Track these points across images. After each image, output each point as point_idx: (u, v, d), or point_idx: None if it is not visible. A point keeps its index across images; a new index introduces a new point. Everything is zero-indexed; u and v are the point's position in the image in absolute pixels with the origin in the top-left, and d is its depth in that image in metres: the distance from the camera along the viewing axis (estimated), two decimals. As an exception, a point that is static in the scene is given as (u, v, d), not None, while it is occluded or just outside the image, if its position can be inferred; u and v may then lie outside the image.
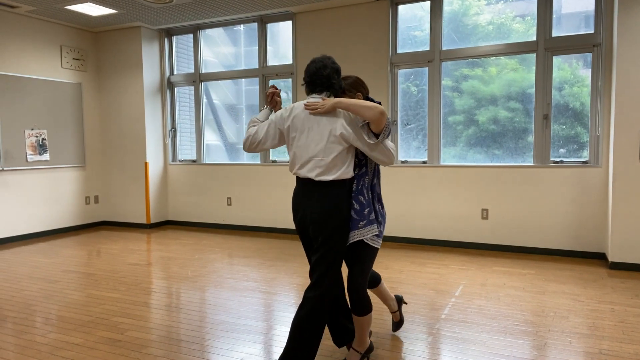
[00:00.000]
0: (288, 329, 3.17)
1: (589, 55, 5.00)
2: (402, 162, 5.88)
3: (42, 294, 3.97)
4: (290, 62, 6.46)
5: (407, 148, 5.94)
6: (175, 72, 7.38)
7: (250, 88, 7.09)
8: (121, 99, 7.18)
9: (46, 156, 6.54)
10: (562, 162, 5.13)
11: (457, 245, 5.52)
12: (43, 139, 6.49)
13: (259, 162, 6.80)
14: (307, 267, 4.72)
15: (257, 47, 6.70)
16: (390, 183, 5.88)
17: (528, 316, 3.35)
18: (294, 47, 6.36)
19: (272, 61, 6.69)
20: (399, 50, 5.84)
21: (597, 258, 4.92)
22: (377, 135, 2.35)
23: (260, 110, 2.69)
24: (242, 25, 6.94)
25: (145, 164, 7.10)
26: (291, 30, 6.40)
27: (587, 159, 5.03)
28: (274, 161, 6.71)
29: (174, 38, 7.33)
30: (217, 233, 6.73)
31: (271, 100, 2.70)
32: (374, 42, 5.83)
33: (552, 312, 3.41)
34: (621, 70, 4.40)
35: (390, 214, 5.89)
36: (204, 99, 7.26)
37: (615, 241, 4.52)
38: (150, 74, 7.12)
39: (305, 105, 2.42)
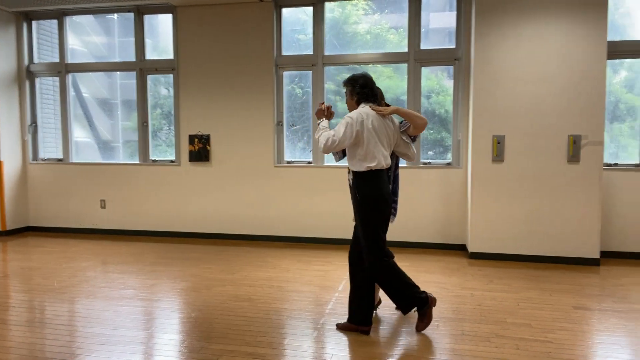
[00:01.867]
0: (170, 336, 3.03)
1: (452, 68, 5.59)
2: (288, 162, 5.98)
3: None
4: (171, 57, 6.17)
5: (292, 149, 6.05)
6: (35, 60, 6.59)
7: (126, 82, 6.62)
8: (-34, 88, 6.21)
9: None
10: (430, 163, 5.65)
11: (340, 243, 5.76)
12: None
13: (137, 162, 6.38)
14: (191, 270, 4.56)
15: (133, 39, 6.28)
16: (276, 183, 5.93)
17: (403, 305, 3.63)
18: (175, 42, 6.09)
19: (151, 55, 6.32)
20: (284, 53, 5.92)
21: (460, 249, 5.51)
22: (412, 138, 3.20)
23: (320, 123, 3.21)
24: (115, 14, 6.44)
25: (-1, 163, 6.23)
26: (172, 23, 6.12)
27: (450, 160, 5.62)
28: (155, 160, 6.35)
29: (34, 23, 6.53)
30: (89, 239, 6.16)
31: (328, 113, 3.24)
32: (259, 43, 5.84)
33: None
34: (477, 82, 5.00)
35: (278, 214, 5.95)
36: (72, 92, 6.59)
37: (474, 233, 5.11)
38: (4, 61, 6.27)
39: (376, 111, 3.06)
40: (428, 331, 3.12)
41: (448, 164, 5.60)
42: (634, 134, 5.22)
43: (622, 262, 4.94)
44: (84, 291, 3.94)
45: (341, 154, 3.27)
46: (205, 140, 6.07)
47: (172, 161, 6.29)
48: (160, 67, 6.24)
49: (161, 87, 6.44)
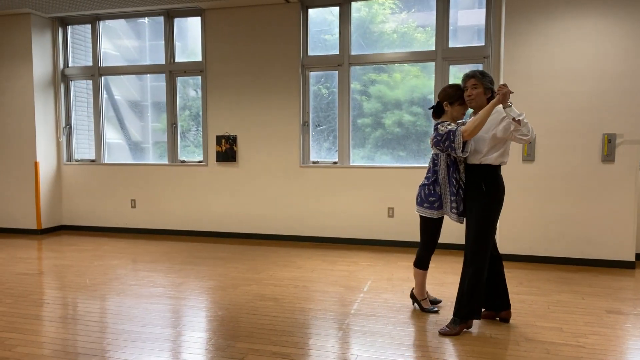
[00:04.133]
0: (197, 334, 3.09)
1: (481, 66, 5.48)
2: (314, 162, 5.99)
3: None
4: (200, 59, 6.28)
5: (318, 149, 6.06)
6: (70, 64, 6.81)
7: (156, 84, 6.77)
8: (8, 93, 6.47)
9: None
10: (458, 163, 5.55)
11: (365, 243, 5.74)
12: None
13: (166, 162, 6.52)
14: (218, 269, 4.62)
15: (163, 42, 6.42)
16: (302, 183, 5.95)
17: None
18: (203, 44, 6.19)
19: (180, 57, 6.45)
20: (310, 53, 5.94)
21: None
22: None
23: (511, 107, 2.92)
24: (146, 18, 6.60)
25: (35, 164, 6.47)
26: (200, 26, 6.22)
27: (479, 160, 5.50)
28: (183, 161, 6.48)
29: (69, 28, 6.76)
30: (120, 238, 6.33)
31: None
32: (286, 44, 5.87)
33: (450, 302, 3.68)
34: (507, 80, 4.88)
35: (304, 214, 5.97)
36: (104, 94, 6.79)
37: (502, 235, 4.99)
38: (41, 65, 6.50)
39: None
40: (454, 334, 3.06)
41: (476, 164, 5.49)
42: (674, 132, 4.99)
43: (661, 266, 4.74)
44: (115, 289, 4.05)
45: (466, 146, 3.04)
46: (232, 140, 6.15)
47: (199, 162, 6.39)
48: (188, 69, 6.35)
49: (189, 89, 6.56)
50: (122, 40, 6.95)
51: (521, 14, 4.79)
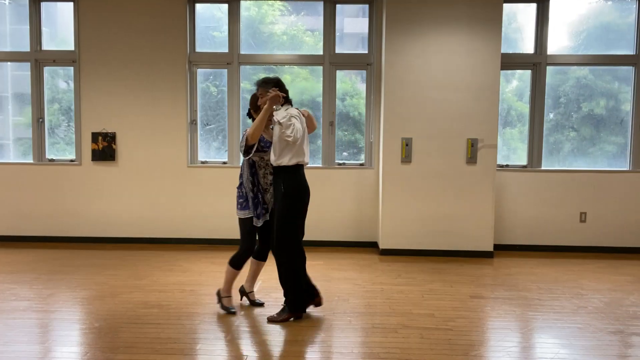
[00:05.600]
0: (70, 349, 2.82)
1: (365, 72, 5.80)
2: (202, 162, 5.82)
3: None
4: (72, 48, 5.72)
5: (207, 148, 5.90)
6: None
7: (18, 74, 6.02)
8: None
9: None
10: (344, 164, 5.82)
11: (255, 243, 5.72)
12: None
13: (31, 161, 5.83)
14: (94, 278, 4.27)
15: (28, 27, 5.73)
16: (189, 183, 5.74)
17: (317, 303, 3.70)
18: (76, 32, 5.66)
19: (48, 45, 5.81)
20: (198, 49, 5.76)
21: (371, 246, 5.74)
22: None
23: (278, 110, 3.18)
24: (7, -2, 5.84)
25: None
26: (73, 12, 5.67)
27: (363, 161, 5.83)
28: (52, 160, 5.85)
29: None
30: (-27, 247, 5.51)
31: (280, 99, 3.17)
32: (171, 38, 5.62)
33: (336, 297, 3.84)
34: (387, 87, 5.24)
35: (191, 215, 5.76)
36: (-48, 82, 5.86)
37: (384, 231, 5.35)
38: None
39: (301, 112, 3.30)
40: (341, 326, 3.21)
41: (361, 164, 5.80)
42: (523, 138, 5.79)
43: (513, 254, 5.45)
44: (-34, 305, 3.53)
45: (250, 150, 3.25)
46: (110, 138, 5.71)
47: (72, 160, 5.83)
48: (58, 58, 5.76)
49: (60, 80, 5.95)
50: (-26, 21, 6.05)
51: (400, 25, 5.17)
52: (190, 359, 2.72)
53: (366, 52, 5.73)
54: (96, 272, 4.49)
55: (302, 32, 5.90)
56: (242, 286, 3.66)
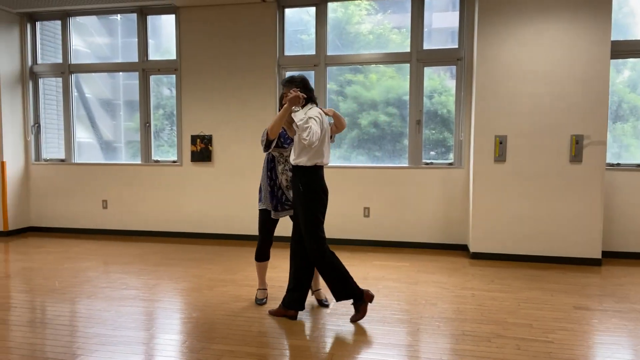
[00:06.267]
0: (171, 336, 3.05)
1: (454, 68, 5.58)
2: (289, 162, 5.97)
3: None
4: (174, 57, 6.19)
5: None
6: (39, 61, 6.62)
7: (128, 82, 6.64)
8: (-30, 89, 6.24)
9: None
10: (432, 163, 5.64)
11: (342, 243, 5.76)
12: None
13: (139, 162, 6.40)
14: (192, 271, 4.57)
15: (136, 40, 6.30)
16: (277, 183, 5.92)
17: (403, 305, 3.63)
18: (177, 42, 6.11)
19: (153, 55, 6.34)
20: (287, 53, 5.93)
21: (461, 249, 5.50)
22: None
23: (297, 112, 3.14)
24: (119, 15, 6.46)
25: (2, 163, 6.26)
26: (175, 24, 6.13)
27: (452, 160, 5.61)
28: (157, 161, 6.37)
29: (38, 24, 6.57)
30: (91, 239, 6.19)
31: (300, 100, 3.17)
32: (262, 44, 5.85)
33: (423, 300, 3.74)
34: (479, 82, 4.98)
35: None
36: (75, 92, 6.62)
37: (475, 234, 5.10)
38: (7, 62, 6.30)
39: (324, 112, 3.25)
40: (429, 330, 3.11)
41: (450, 164, 5.59)
42: (637, 133, 5.20)
43: (624, 262, 4.92)
44: (85, 291, 3.96)
45: (270, 145, 3.34)
46: (207, 140, 6.08)
47: (174, 161, 6.30)
48: (162, 67, 6.26)
49: (164, 88, 6.46)
50: (93, 38, 6.79)
51: (494, 16, 4.90)
52: (278, 353, 2.80)
53: (456, 46, 5.51)
54: (194, 265, 4.81)
55: (389, 30, 5.82)
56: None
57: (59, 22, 6.51)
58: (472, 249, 5.14)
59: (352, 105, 5.87)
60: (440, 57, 5.58)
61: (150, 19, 6.30)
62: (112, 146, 6.79)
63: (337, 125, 3.39)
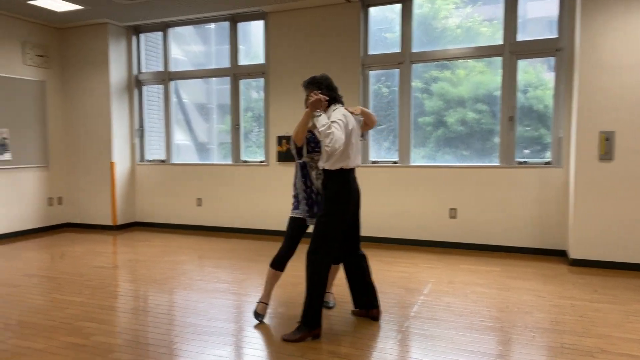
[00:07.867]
0: (258, 331, 3.16)
1: (553, 59, 5.17)
2: (373, 162, 5.94)
3: (2, 299, 3.82)
4: (262, 61, 6.43)
5: (378, 148, 6.00)
6: (143, 70, 7.23)
7: (221, 87, 7.03)
8: (87, 98, 6.99)
9: (7, 156, 6.30)
10: (526, 162, 5.28)
11: (426, 244, 5.61)
12: (4, 138, 6.24)
13: (230, 162, 6.74)
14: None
15: (228, 46, 6.64)
16: (361, 184, 5.90)
17: (493, 312, 3.43)
18: (266, 47, 6.33)
19: (243, 60, 6.64)
20: (370, 52, 5.89)
21: (558, 255, 5.09)
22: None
23: (319, 117, 3.03)
24: (213, 23, 6.86)
25: (112, 164, 6.93)
26: (263, 29, 6.37)
27: (549, 159, 5.20)
28: (245, 161, 6.67)
29: (142, 35, 7.18)
30: (187, 234, 6.64)
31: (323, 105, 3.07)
32: (346, 44, 5.87)
33: (516, 308, 3.51)
34: (583, 74, 4.57)
35: (364, 214, 5.91)
36: (174, 98, 7.14)
37: (576, 238, 4.68)
38: (117, 72, 6.96)
39: (351, 112, 3.13)
40: (522, 341, 2.91)
41: (547, 163, 5.20)
42: None
43: None
44: (182, 283, 4.25)
45: (301, 152, 3.24)
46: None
47: (261, 161, 6.55)
48: (251, 71, 6.53)
49: (252, 91, 6.74)
50: (189, 46, 7.28)
51: (598, 2, 4.46)
52: (360, 354, 2.79)
53: (555, 36, 5.10)
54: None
55: (479, 23, 5.55)
56: None
57: (160, 33, 7.06)
58: (572, 255, 4.73)
59: (438, 102, 5.68)
60: (536, 49, 5.20)
61: (241, 25, 6.60)
62: (206, 147, 7.22)
63: (367, 123, 3.28)
